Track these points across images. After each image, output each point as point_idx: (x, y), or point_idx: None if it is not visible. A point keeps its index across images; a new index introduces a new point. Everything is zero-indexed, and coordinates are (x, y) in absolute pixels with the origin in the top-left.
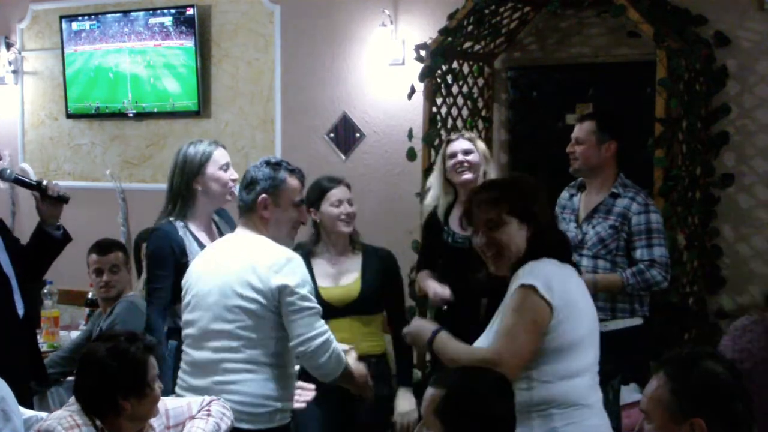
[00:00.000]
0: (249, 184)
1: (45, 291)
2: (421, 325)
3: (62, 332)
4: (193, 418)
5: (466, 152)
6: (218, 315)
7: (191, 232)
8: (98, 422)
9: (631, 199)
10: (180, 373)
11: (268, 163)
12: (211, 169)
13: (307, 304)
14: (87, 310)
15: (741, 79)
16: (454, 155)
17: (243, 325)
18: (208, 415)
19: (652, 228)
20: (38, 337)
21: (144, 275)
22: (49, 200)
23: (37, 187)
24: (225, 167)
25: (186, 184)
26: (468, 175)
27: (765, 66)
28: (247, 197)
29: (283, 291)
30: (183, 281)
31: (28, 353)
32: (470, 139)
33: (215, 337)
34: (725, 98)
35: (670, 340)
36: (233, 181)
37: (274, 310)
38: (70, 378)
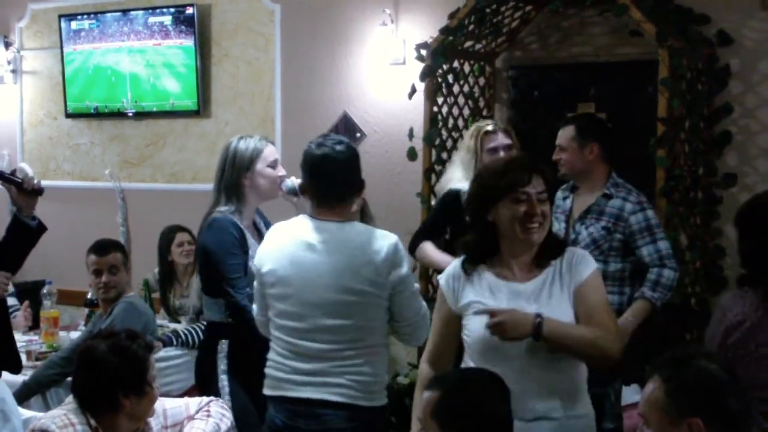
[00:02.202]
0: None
1: (44, 291)
2: (515, 313)
3: (62, 333)
4: (191, 418)
5: (507, 148)
6: (334, 311)
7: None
8: (92, 421)
9: (624, 199)
10: (277, 357)
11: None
12: (260, 166)
13: (416, 286)
14: (86, 310)
15: (744, 79)
16: (495, 151)
17: (363, 318)
18: (208, 415)
19: (651, 224)
20: (38, 337)
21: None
22: (26, 193)
23: (16, 182)
24: (273, 164)
25: (235, 179)
26: None
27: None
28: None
29: (400, 281)
30: (263, 269)
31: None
32: (507, 133)
33: (333, 331)
34: (728, 98)
35: (671, 341)
36: (281, 177)
37: (388, 297)
38: (69, 379)
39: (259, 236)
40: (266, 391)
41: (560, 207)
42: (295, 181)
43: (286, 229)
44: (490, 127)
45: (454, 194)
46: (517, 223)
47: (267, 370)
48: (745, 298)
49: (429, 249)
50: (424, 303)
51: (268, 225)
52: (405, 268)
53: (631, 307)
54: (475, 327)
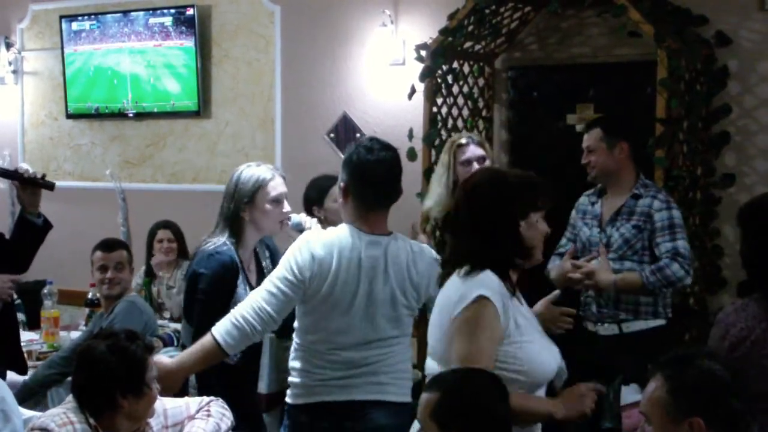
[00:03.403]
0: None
1: (45, 291)
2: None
3: (62, 332)
4: (192, 418)
5: (481, 159)
6: (385, 325)
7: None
8: (92, 420)
9: (653, 197)
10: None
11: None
12: (261, 200)
13: None
14: (87, 310)
15: (742, 79)
16: (468, 163)
17: (407, 329)
18: (208, 415)
19: (675, 223)
20: (38, 337)
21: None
22: (30, 188)
23: (17, 175)
24: (277, 199)
25: (234, 211)
26: None
27: (766, 66)
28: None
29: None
30: (315, 280)
31: (7, 346)
32: (481, 144)
33: (382, 343)
34: (726, 98)
35: (670, 341)
36: (285, 213)
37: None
38: (70, 378)
39: (257, 266)
40: (300, 400)
41: (589, 213)
42: (302, 218)
43: (336, 241)
44: (463, 140)
45: (427, 216)
46: (540, 242)
47: (296, 380)
48: (747, 311)
49: None
50: None
51: (273, 250)
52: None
53: (624, 275)
54: (539, 357)
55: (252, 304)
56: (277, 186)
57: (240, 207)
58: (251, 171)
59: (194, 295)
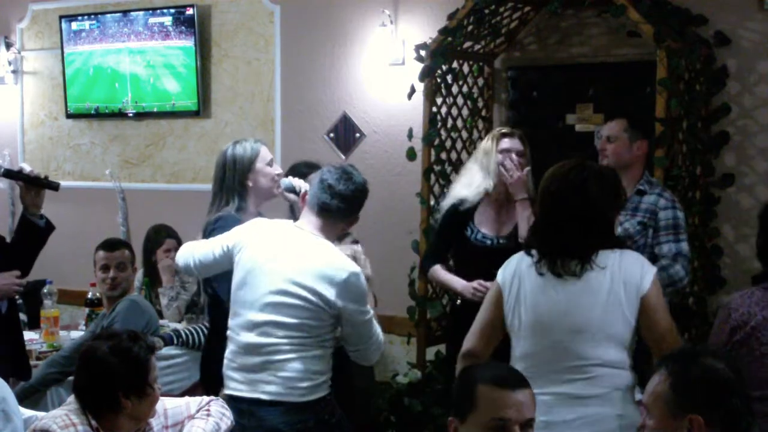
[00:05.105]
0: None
1: (45, 291)
2: None
3: (62, 332)
4: (192, 417)
5: (520, 154)
6: (276, 308)
7: None
8: (93, 421)
9: (659, 195)
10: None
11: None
12: (260, 165)
13: (368, 317)
14: (87, 310)
15: (741, 79)
16: (508, 151)
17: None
18: (208, 414)
19: (679, 224)
20: (38, 336)
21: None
22: (34, 189)
23: (23, 175)
24: (270, 163)
25: (240, 181)
26: (516, 175)
27: (765, 66)
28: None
29: (347, 312)
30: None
31: (11, 349)
32: (521, 138)
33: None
34: (725, 98)
35: None
36: (278, 175)
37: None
38: (71, 378)
39: None
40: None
41: None
42: (293, 181)
43: (270, 227)
44: (506, 130)
45: (455, 207)
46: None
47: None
48: (752, 297)
49: (437, 272)
50: (377, 332)
51: None
52: (354, 305)
53: None
54: None
55: None
56: (267, 151)
57: (244, 175)
58: (243, 145)
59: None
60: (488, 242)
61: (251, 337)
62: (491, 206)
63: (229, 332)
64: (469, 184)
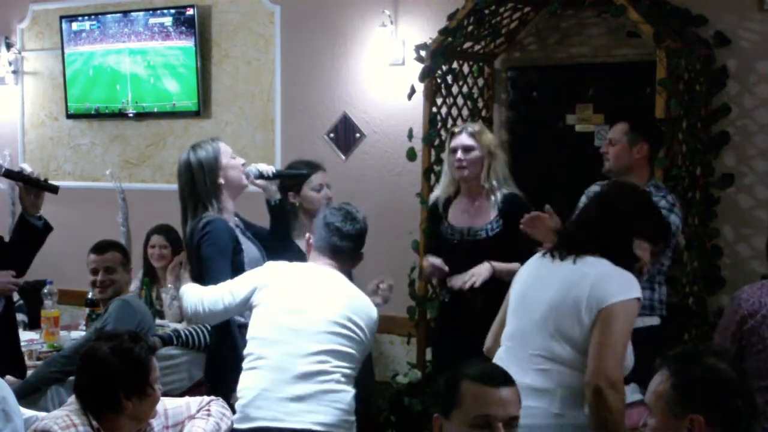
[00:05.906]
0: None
1: (45, 291)
2: None
3: (62, 332)
4: (192, 417)
5: (467, 149)
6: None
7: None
8: (94, 422)
9: (662, 197)
10: None
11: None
12: (226, 160)
13: None
14: (87, 310)
15: (741, 79)
16: (454, 150)
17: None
18: (208, 415)
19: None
20: (38, 336)
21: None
22: (34, 190)
23: (24, 177)
24: (233, 155)
25: (212, 181)
26: (464, 173)
27: (765, 66)
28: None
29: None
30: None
31: (6, 349)
32: (473, 134)
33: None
34: (725, 98)
35: (669, 341)
36: (243, 165)
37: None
38: (71, 378)
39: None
40: None
41: None
42: (258, 166)
43: (292, 265)
44: (456, 129)
45: (434, 204)
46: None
47: None
48: (763, 289)
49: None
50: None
51: (247, 225)
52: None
53: None
54: None
55: None
56: (226, 146)
57: (214, 174)
58: (203, 147)
59: (201, 264)
60: (456, 236)
61: (304, 366)
62: (464, 198)
63: (259, 361)
64: (441, 182)
